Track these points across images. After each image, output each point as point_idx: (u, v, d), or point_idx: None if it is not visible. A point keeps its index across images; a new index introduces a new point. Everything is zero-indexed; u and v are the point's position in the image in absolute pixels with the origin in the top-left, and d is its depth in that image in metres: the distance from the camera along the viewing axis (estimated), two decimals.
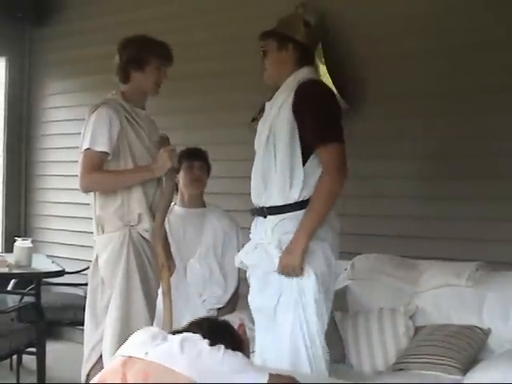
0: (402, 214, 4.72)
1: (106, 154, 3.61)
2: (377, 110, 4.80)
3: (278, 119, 3.39)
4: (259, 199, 3.48)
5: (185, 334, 2.47)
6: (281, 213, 3.37)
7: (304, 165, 3.33)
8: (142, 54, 3.73)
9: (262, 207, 3.45)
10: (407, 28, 4.68)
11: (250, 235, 3.60)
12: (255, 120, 3.65)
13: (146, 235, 3.68)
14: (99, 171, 3.62)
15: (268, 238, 3.40)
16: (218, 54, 5.60)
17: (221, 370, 2.33)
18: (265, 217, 3.44)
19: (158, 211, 3.73)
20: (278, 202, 3.37)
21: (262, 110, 3.61)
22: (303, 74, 3.45)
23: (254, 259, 3.51)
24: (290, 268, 3.28)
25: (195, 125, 5.77)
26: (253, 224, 3.58)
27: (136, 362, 2.38)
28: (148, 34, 3.82)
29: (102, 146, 3.60)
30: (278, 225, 3.37)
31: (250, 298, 3.60)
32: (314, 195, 3.30)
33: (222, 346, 2.39)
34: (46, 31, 7.04)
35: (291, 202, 3.34)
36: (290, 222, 3.34)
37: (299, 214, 3.32)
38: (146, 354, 2.38)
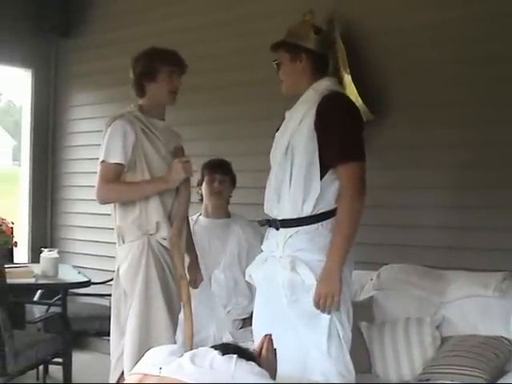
0: (428, 224, 4.70)
1: (120, 165, 3.65)
2: (401, 119, 4.78)
3: (297, 132, 3.29)
4: (272, 211, 3.39)
5: (196, 350, 2.47)
6: (293, 226, 3.27)
7: (321, 179, 3.22)
8: (152, 65, 3.77)
9: (275, 219, 3.36)
10: (430, 37, 4.67)
11: (262, 247, 3.53)
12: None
13: (165, 243, 3.70)
14: (114, 182, 3.66)
15: (279, 252, 3.30)
16: (245, 64, 5.61)
17: (233, 379, 2.32)
18: (277, 229, 3.35)
19: (174, 221, 3.75)
20: (290, 215, 3.28)
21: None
22: (324, 85, 3.36)
23: (264, 272, 3.42)
24: (329, 296, 3.14)
25: (222, 135, 5.79)
26: (265, 236, 3.51)
27: (150, 379, 2.39)
28: (157, 46, 3.85)
29: (117, 158, 3.64)
30: (291, 239, 3.27)
31: (255, 312, 3.52)
32: (338, 218, 3.20)
33: (235, 356, 2.39)
34: (72, 43, 7.10)
35: (304, 215, 3.24)
36: (303, 237, 3.25)
37: (313, 228, 3.23)
38: (160, 369, 2.39)
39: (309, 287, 3.21)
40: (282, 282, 3.26)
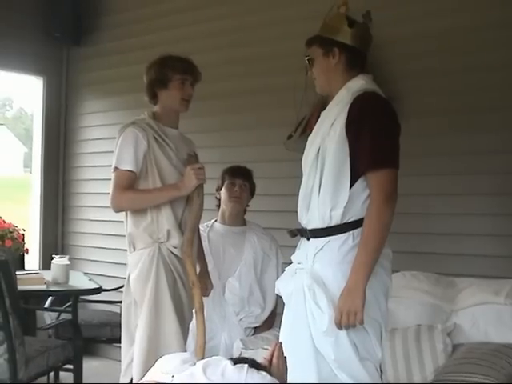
0: (437, 232, 4.68)
1: (132, 172, 3.67)
2: (408, 127, 4.76)
3: (328, 137, 3.07)
4: (302, 220, 3.20)
5: (208, 359, 2.47)
6: (323, 236, 3.06)
7: (351, 187, 3.01)
8: (164, 72, 3.80)
9: (305, 229, 3.18)
10: (441, 45, 4.67)
11: (292, 257, 3.30)
12: (291, 137, 3.49)
13: (176, 252, 3.70)
14: (128, 190, 3.68)
15: (309, 264, 3.09)
16: (255, 71, 5.62)
17: None
18: (308, 239, 3.16)
19: (186, 229, 3.74)
20: (319, 224, 3.08)
21: (298, 127, 3.44)
22: (358, 84, 3.13)
23: (293, 287, 3.17)
24: (352, 314, 2.90)
25: (232, 143, 5.79)
26: (298, 245, 3.29)
27: None
28: (171, 53, 3.87)
29: (128, 165, 3.66)
30: (321, 253, 3.06)
31: (282, 328, 3.27)
32: (364, 230, 2.96)
33: (246, 365, 2.39)
34: (83, 51, 7.13)
35: (333, 224, 3.04)
36: (334, 249, 3.03)
37: (343, 238, 3.02)
38: (173, 377, 2.40)
39: (325, 313, 3.01)
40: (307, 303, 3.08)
